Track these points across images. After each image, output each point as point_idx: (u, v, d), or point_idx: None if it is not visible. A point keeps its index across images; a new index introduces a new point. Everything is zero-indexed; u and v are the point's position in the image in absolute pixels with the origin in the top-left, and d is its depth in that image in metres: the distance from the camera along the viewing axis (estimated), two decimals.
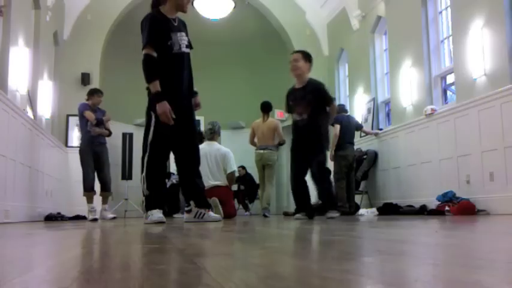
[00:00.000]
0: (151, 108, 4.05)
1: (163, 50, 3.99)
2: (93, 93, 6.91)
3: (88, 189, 6.66)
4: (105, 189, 6.85)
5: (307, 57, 5.12)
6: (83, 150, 6.70)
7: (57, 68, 9.12)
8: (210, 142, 6.54)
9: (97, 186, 6.82)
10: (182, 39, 4.13)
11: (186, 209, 4.27)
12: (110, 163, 6.94)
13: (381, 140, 7.86)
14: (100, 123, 6.76)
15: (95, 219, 6.37)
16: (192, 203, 4.18)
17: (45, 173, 7.04)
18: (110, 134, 7.01)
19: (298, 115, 5.06)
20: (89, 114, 6.65)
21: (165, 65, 4.01)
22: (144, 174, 4.04)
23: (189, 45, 4.26)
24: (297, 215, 5.10)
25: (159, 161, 4.09)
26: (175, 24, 4.16)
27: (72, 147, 8.31)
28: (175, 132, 4.08)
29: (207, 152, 6.28)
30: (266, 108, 7.33)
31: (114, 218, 6.79)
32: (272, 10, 10.65)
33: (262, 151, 7.20)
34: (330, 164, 8.44)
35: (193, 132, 4.31)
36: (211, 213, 4.30)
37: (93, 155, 6.69)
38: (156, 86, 3.91)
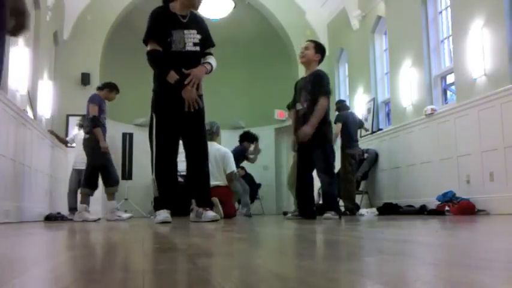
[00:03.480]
0: (152, 108, 4.05)
1: (162, 47, 3.93)
2: (115, 88, 6.38)
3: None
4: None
5: (318, 47, 4.99)
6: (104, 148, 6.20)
7: (57, 68, 9.12)
8: (209, 143, 6.52)
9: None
10: (189, 37, 4.01)
11: (191, 207, 4.16)
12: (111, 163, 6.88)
13: (381, 140, 7.85)
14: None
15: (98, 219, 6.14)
16: (193, 201, 4.10)
17: (45, 172, 7.03)
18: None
19: (300, 104, 4.83)
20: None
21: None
22: (153, 175, 4.03)
23: (202, 43, 4.14)
24: (288, 215, 5.08)
25: (167, 161, 4.02)
26: (184, 20, 4.02)
27: (72, 147, 8.31)
28: (183, 131, 4.03)
29: None
30: None
31: (130, 217, 6.49)
32: (272, 10, 10.65)
33: None
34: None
35: (200, 128, 4.17)
36: (209, 213, 4.18)
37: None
38: (173, 76, 3.86)
